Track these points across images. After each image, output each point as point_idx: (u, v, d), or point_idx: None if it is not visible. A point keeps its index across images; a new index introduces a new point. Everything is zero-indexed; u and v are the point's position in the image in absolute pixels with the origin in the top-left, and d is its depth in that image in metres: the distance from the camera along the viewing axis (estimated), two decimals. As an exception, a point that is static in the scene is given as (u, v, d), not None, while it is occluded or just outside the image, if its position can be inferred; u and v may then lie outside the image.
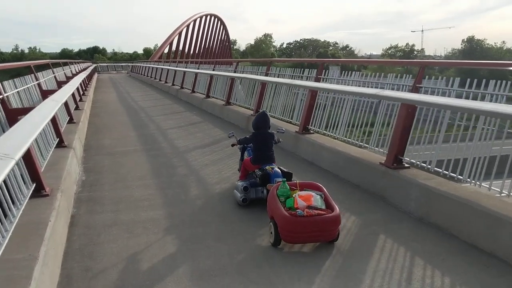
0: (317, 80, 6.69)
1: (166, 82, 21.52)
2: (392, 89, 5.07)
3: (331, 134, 6.16)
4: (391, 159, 4.58)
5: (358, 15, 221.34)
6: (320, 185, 3.67)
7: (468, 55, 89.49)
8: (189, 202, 4.44)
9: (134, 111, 12.67)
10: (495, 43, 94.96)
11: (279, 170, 4.16)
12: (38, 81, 6.47)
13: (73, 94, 9.88)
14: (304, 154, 6.30)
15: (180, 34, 62.48)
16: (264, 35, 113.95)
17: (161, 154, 6.71)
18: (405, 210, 4.15)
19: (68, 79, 10.62)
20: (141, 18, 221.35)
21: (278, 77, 8.38)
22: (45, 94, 6.09)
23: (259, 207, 4.13)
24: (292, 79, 7.72)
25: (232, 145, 5.01)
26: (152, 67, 28.37)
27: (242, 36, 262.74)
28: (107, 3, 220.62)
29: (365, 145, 5.35)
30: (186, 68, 17.68)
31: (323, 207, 3.33)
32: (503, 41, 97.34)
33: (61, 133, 5.93)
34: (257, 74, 9.82)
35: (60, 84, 8.22)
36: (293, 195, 3.41)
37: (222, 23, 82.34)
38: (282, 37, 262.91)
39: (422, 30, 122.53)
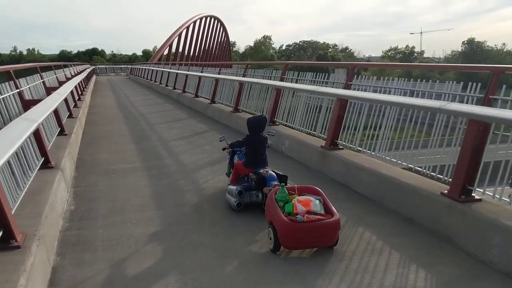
0: (348, 87, 5.74)
1: (166, 85, 20.59)
2: (452, 100, 4.12)
3: (368, 151, 5.21)
4: (458, 190, 3.63)
5: (356, 17, 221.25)
6: (318, 189, 3.59)
7: (468, 57, 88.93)
8: (205, 247, 3.46)
9: (133, 118, 11.72)
10: (495, 45, 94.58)
11: (274, 173, 4.10)
12: (18, 90, 5.50)
13: (66, 100, 8.94)
14: (334, 174, 5.35)
15: (180, 35, 61.58)
16: (264, 36, 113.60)
17: (165, 173, 5.75)
18: (484, 259, 3.20)
19: (61, 84, 9.68)
20: (140, 20, 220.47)
21: (297, 82, 7.43)
22: (28, 104, 5.13)
23: (253, 211, 4.11)
24: (314, 85, 6.79)
25: (223, 149, 4.93)
26: (152, 70, 27.42)
27: (241, 37, 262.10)
28: (106, 4, 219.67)
29: (417, 168, 4.38)
30: (188, 71, 16.71)
31: (322, 212, 3.28)
32: (504, 43, 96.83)
33: (47, 151, 4.98)
34: (269, 78, 8.88)
35: (49, 91, 7.27)
36: (292, 200, 3.34)
37: (222, 24, 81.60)
38: (280, 39, 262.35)
39: (421, 32, 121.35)
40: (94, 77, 36.89)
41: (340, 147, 5.71)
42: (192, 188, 5.06)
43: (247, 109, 9.60)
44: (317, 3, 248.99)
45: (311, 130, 6.75)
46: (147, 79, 28.95)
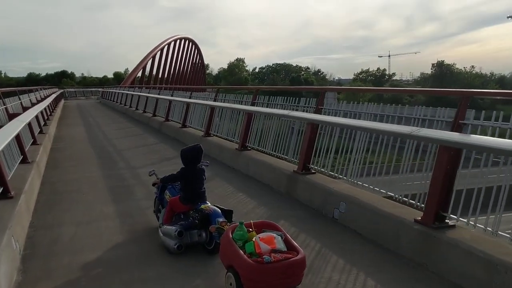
0: (458, 128, 3.67)
1: (144, 112, 18.25)
2: None
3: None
4: None
5: (324, 41, 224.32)
6: (275, 223, 3.25)
7: (438, 79, 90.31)
8: None
9: (108, 156, 9.32)
10: (464, 67, 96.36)
11: (218, 209, 3.76)
12: None
13: (18, 140, 6.57)
14: (445, 270, 3.24)
15: (154, 57, 59.31)
16: (237, 59, 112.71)
17: (168, 273, 3.49)
18: None
19: (12, 117, 7.31)
20: (110, 42, 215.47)
21: (347, 115, 5.31)
22: None
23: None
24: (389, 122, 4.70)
25: (153, 185, 4.51)
26: (127, 94, 24.97)
27: (213, 60, 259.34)
28: (76, 26, 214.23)
29: None
30: (173, 96, 14.50)
31: (285, 249, 2.95)
32: (472, 66, 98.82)
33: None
34: (292, 108, 6.79)
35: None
36: (253, 238, 2.97)
37: (197, 46, 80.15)
38: (252, 61, 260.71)
39: (389, 55, 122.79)
40: (62, 101, 34.11)
41: (450, 223, 3.62)
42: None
43: (262, 147, 7.44)
44: (287, 28, 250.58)
45: (378, 188, 4.65)
46: (121, 103, 26.45)
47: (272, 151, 7.11)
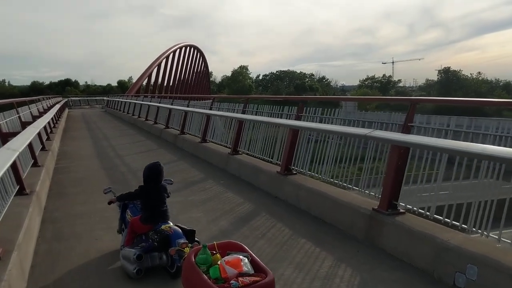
0: None
1: (156, 123, 16.90)
2: None
3: None
4: None
5: (327, 47, 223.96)
6: (241, 243, 2.98)
7: (445, 86, 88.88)
8: None
9: (122, 181, 7.87)
10: (471, 74, 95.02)
11: (179, 229, 3.55)
12: None
13: (15, 167, 5.20)
14: None
15: (159, 65, 58.16)
16: (240, 67, 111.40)
17: None
18: None
19: (5, 137, 5.93)
20: (113, 50, 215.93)
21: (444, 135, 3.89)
22: None
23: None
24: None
25: (109, 203, 4.11)
26: (135, 103, 23.62)
27: (215, 68, 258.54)
28: (76, 35, 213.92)
29: None
30: (189, 106, 13.13)
31: (253, 271, 2.69)
32: (479, 72, 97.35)
33: None
34: (361, 125, 5.38)
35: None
36: (218, 262, 2.74)
37: (202, 54, 79.12)
38: (254, 69, 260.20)
39: (393, 62, 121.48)
40: (66, 110, 32.88)
41: None
42: None
43: (314, 173, 6.03)
44: (289, 35, 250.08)
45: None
46: (128, 113, 25.15)
47: (330, 178, 5.70)
